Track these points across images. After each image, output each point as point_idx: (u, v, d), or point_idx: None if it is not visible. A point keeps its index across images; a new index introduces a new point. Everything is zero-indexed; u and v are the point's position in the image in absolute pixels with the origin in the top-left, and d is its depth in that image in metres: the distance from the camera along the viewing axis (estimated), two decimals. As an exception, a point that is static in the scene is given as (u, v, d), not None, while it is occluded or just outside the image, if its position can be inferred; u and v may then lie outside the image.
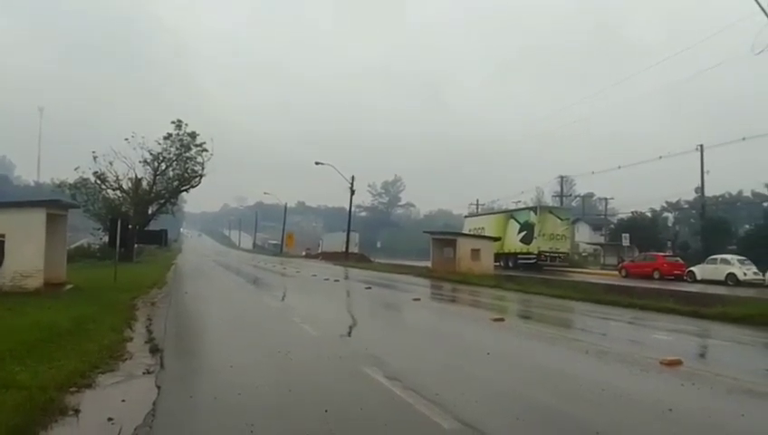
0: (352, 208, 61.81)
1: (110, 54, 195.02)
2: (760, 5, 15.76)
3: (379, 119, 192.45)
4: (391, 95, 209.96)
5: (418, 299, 17.38)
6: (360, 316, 14.14)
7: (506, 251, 41.16)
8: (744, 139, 39.91)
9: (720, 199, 62.01)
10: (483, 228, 43.98)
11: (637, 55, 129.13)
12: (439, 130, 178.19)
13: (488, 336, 10.49)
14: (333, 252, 63.71)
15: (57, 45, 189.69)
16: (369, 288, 21.64)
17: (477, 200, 75.05)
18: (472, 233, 42.28)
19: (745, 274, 28.29)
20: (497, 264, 37.69)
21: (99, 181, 41.81)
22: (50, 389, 5.42)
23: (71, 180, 41.55)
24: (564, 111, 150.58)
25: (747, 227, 53.22)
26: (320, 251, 76.47)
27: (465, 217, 57.70)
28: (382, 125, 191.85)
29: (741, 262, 29.59)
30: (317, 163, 54.37)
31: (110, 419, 4.86)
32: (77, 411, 5.05)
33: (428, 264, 36.68)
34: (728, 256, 31.12)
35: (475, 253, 34.01)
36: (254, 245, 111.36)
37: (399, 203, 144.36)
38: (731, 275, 28.39)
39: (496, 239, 38.21)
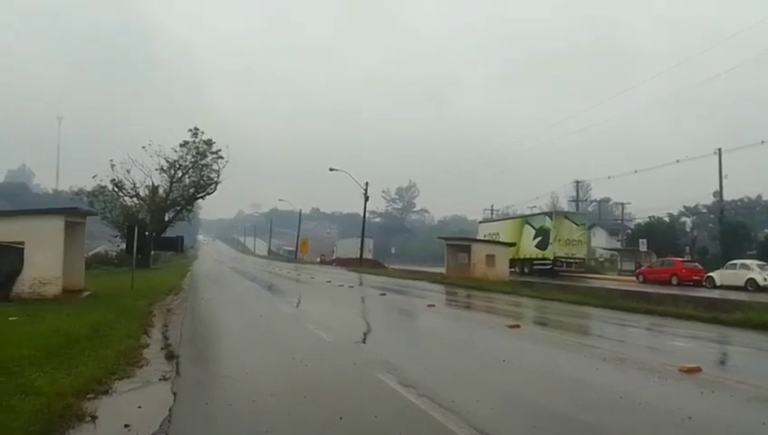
0: (366, 214, 61.82)
1: (125, 65, 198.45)
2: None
3: (393, 125, 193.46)
4: (404, 103, 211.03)
5: (433, 305, 17.31)
6: (375, 323, 14.12)
7: (521, 257, 40.91)
8: (762, 142, 39.47)
9: (739, 204, 61.32)
10: (497, 234, 43.77)
11: (649, 60, 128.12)
12: (453, 136, 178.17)
13: (504, 343, 10.42)
14: (348, 258, 63.80)
15: (74, 57, 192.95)
16: (384, 294, 21.61)
17: (492, 206, 74.94)
18: (486, 239, 42.08)
19: (766, 279, 27.83)
20: (512, 270, 37.43)
21: (116, 189, 42.34)
22: (68, 395, 5.47)
23: (89, 188, 42.12)
24: (578, 115, 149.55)
25: (767, 231, 52.45)
26: (334, 257, 76.63)
27: (480, 222, 57.52)
28: (396, 132, 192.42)
29: (761, 267, 29.13)
30: (331, 169, 54.55)
31: (126, 425, 4.89)
32: (94, 418, 5.09)
33: (443, 270, 36.55)
34: (748, 262, 30.67)
35: (490, 259, 33.86)
36: (269, 251, 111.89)
37: (414, 209, 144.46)
38: (751, 281, 27.96)
39: (511, 245, 37.98)
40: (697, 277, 31.36)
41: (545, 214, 43.82)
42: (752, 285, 27.61)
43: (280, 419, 5.30)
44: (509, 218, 52.27)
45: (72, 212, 17.59)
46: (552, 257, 38.79)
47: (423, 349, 9.85)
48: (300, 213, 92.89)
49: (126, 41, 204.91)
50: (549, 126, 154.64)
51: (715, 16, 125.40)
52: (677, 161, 47.40)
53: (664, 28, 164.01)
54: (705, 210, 60.87)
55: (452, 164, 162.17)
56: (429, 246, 71.93)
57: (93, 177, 42.38)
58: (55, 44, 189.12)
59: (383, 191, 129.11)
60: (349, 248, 69.78)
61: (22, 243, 14.59)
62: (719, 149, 40.84)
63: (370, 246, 68.04)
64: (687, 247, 48.28)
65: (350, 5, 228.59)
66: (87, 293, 16.53)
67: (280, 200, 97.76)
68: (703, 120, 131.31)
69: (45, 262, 14.64)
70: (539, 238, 40.48)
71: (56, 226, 15.16)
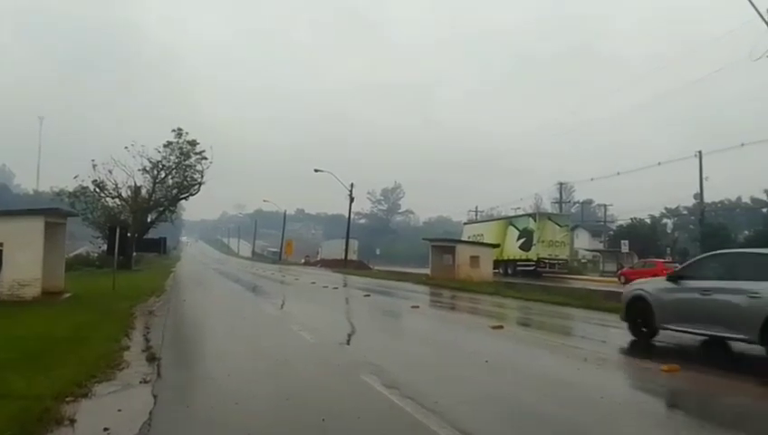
0: (351, 216, 61.82)
1: (109, 66, 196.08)
2: (758, 12, 15.80)
3: (378, 128, 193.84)
4: (389, 105, 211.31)
5: (417, 306, 17.33)
6: (359, 324, 14.10)
7: (505, 258, 41.17)
8: (742, 145, 40.14)
9: (719, 205, 62.31)
10: (482, 235, 44.01)
11: (632, 64, 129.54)
12: (439, 138, 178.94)
13: (487, 344, 10.46)
14: (332, 259, 63.79)
15: (57, 56, 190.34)
16: (368, 296, 21.59)
17: (476, 207, 75.46)
18: (471, 240, 42.28)
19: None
20: (496, 271, 37.65)
21: (98, 189, 41.78)
22: (46, 398, 5.38)
23: (70, 189, 41.50)
24: (561, 119, 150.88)
25: (746, 232, 53.36)
26: (319, 258, 76.54)
27: (465, 224, 57.87)
28: (382, 133, 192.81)
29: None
30: (316, 170, 54.49)
31: (105, 429, 4.82)
32: (73, 421, 5.01)
33: (427, 271, 36.64)
34: (727, 263, 31.07)
35: (474, 260, 34.01)
36: (253, 252, 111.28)
37: (399, 210, 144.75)
38: (730, 282, 28.31)
39: (495, 246, 38.22)
40: (678, 278, 31.72)
41: (529, 215, 44.16)
42: (731, 286, 27.95)
43: (262, 421, 5.27)
44: (493, 220, 52.63)
45: (53, 213, 17.36)
46: (535, 258, 39.08)
47: (407, 350, 9.87)
48: (284, 214, 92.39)
49: (109, 41, 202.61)
50: (533, 129, 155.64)
51: (703, 21, 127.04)
52: (659, 164, 48.08)
53: (646, 35, 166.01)
54: (685, 212, 61.76)
55: (437, 166, 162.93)
56: (414, 247, 72.05)
57: (75, 177, 41.89)
58: (37, 43, 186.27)
59: (368, 193, 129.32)
60: (333, 249, 69.72)
61: (1, 244, 14.38)
62: (699, 152, 41.46)
63: (355, 247, 68.07)
64: (668, 249, 49.03)
65: (337, 11, 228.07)
66: (67, 294, 16.32)
67: (264, 201, 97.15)
68: (685, 124, 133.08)
69: (25, 263, 14.43)
70: (522, 240, 40.78)
71: (36, 227, 14.95)
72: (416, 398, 5.84)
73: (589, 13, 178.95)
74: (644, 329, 10.63)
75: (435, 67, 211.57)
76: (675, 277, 10.46)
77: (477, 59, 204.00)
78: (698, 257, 12.19)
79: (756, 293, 8.35)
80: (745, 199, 68.91)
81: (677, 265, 34.41)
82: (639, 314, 10.71)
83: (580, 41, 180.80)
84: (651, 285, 11.07)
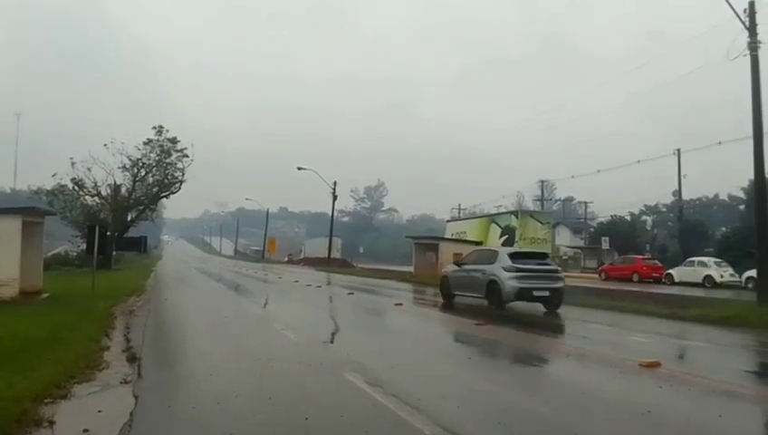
0: (335, 214, 61.66)
1: (89, 63, 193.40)
2: (735, 11, 16.01)
3: (361, 125, 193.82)
4: (372, 103, 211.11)
5: (401, 304, 17.36)
6: (343, 322, 14.09)
7: (488, 255, 41.35)
8: (720, 143, 40.68)
9: (697, 202, 63.13)
10: (465, 233, 44.20)
11: (614, 62, 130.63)
12: (421, 136, 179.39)
13: (470, 341, 10.52)
14: (316, 257, 63.61)
15: (34, 53, 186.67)
16: (352, 294, 21.58)
17: (459, 205, 75.60)
18: (454, 237, 42.42)
19: (722, 276, 28.78)
20: (479, 268, 37.81)
21: (77, 188, 41.05)
22: (24, 400, 5.29)
23: (48, 187, 40.76)
24: (543, 117, 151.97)
25: (724, 229, 54.15)
26: (302, 257, 76.30)
27: (448, 221, 58.03)
28: (365, 131, 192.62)
29: (718, 264, 30.10)
30: (299, 168, 54.24)
31: (85, 430, 4.75)
32: (52, 423, 4.93)
33: (411, 269, 36.68)
34: (705, 259, 31.65)
35: (458, 257, 33.99)
36: (236, 251, 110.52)
37: (382, 208, 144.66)
38: (708, 278, 28.88)
39: (478, 244, 38.33)
40: (657, 274, 32.22)
41: (511, 213, 44.51)
42: (709, 282, 28.51)
43: (244, 420, 5.22)
44: (476, 217, 52.84)
45: (31, 212, 17.05)
46: (517, 256, 39.26)
47: (391, 348, 9.88)
48: (267, 212, 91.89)
49: (89, 38, 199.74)
50: (516, 127, 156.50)
51: (680, 20, 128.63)
52: (638, 162, 48.71)
53: (626, 33, 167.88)
54: (664, 209, 62.59)
55: (420, 164, 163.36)
56: (398, 245, 72.25)
57: (53, 175, 41.05)
58: (13, 39, 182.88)
59: (351, 190, 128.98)
60: (317, 248, 69.54)
61: (-24, 244, 14.10)
62: (678, 150, 42.06)
63: (339, 245, 67.92)
64: (648, 245, 49.59)
65: (319, 8, 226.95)
66: (46, 294, 16.05)
67: (247, 199, 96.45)
68: (664, 122, 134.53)
69: (2, 263, 14.14)
70: (505, 237, 41.00)
71: (13, 226, 14.67)
72: (399, 395, 5.84)
73: (570, 11, 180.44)
74: (448, 296, 17.35)
75: (419, 65, 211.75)
76: (460, 263, 17.38)
77: (461, 57, 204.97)
78: (471, 251, 19.80)
79: (484, 271, 15.41)
80: (723, 197, 69.93)
81: (656, 261, 35.25)
82: (446, 287, 17.52)
83: (562, 39, 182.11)
84: (450, 269, 17.82)
